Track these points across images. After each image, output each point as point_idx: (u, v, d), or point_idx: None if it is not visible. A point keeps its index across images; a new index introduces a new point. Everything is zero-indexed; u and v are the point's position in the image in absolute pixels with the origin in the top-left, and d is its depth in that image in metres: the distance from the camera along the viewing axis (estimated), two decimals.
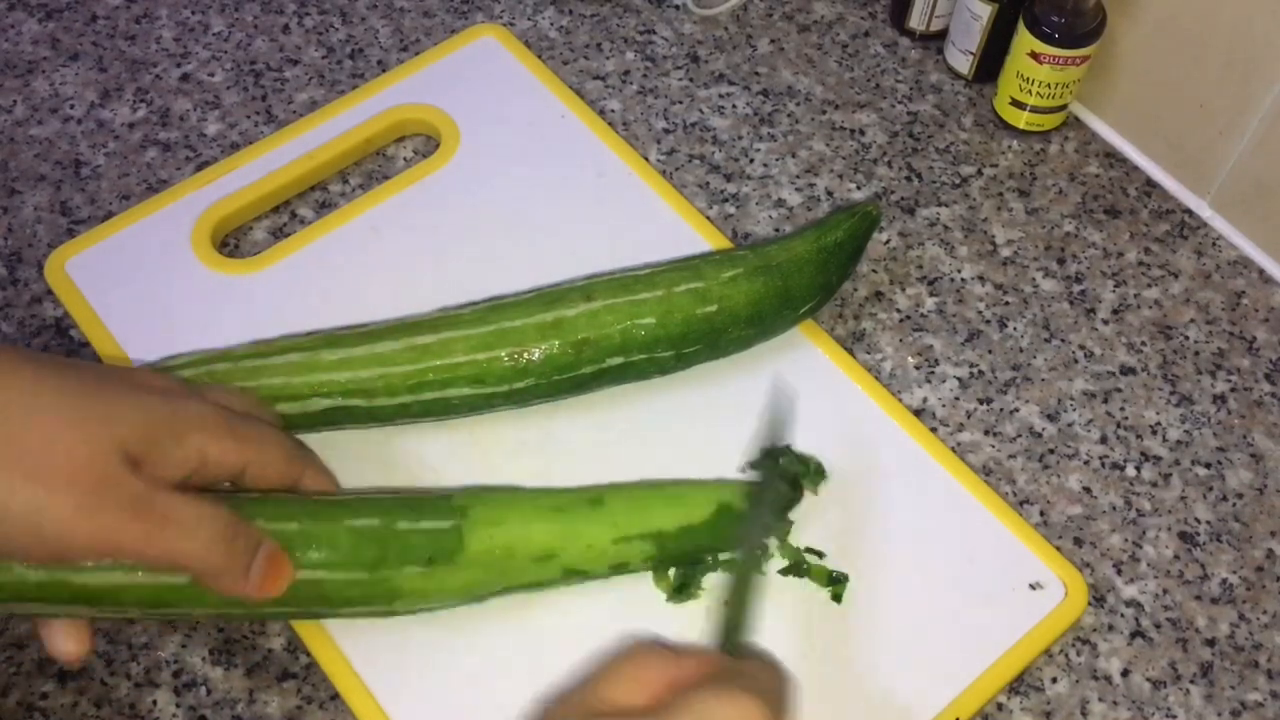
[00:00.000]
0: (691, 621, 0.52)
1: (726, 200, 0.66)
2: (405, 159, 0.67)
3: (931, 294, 0.63)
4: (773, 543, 0.54)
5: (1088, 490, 0.58)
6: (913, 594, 0.53)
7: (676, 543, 0.51)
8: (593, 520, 0.50)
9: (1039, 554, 0.54)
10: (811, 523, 0.54)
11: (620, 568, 0.51)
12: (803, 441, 0.56)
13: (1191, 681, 0.53)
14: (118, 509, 0.41)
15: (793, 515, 0.54)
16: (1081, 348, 0.62)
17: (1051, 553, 0.54)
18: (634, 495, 0.52)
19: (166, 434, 0.43)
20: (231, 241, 0.64)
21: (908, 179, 0.68)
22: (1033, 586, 0.53)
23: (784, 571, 0.53)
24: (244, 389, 0.52)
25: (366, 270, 0.61)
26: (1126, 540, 0.56)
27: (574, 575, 0.51)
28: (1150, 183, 0.68)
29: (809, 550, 0.53)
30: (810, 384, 0.58)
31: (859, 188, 0.67)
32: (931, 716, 0.50)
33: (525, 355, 0.53)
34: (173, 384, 0.46)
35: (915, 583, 0.53)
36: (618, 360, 0.55)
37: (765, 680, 0.40)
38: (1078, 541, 0.56)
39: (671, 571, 0.52)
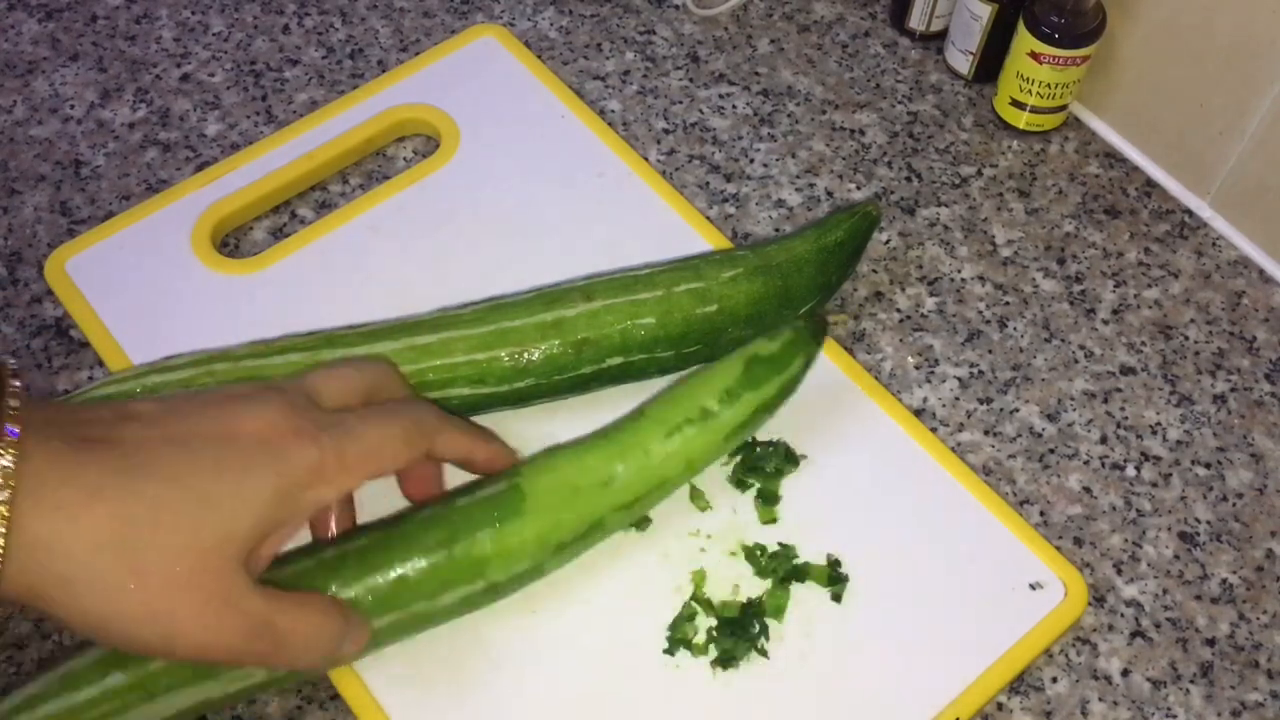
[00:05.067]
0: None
1: (726, 200, 0.66)
2: (405, 159, 0.67)
3: (931, 294, 0.63)
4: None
5: (1088, 490, 0.58)
6: (913, 594, 0.53)
7: (723, 407, 0.52)
8: (640, 429, 0.51)
9: (1039, 554, 0.54)
10: (810, 523, 0.55)
11: (680, 471, 0.52)
12: (803, 442, 0.56)
13: (1191, 681, 0.53)
14: (236, 633, 0.41)
15: (789, 516, 0.54)
16: (1081, 348, 0.62)
17: (1051, 553, 0.54)
18: (671, 394, 0.52)
19: (285, 516, 0.43)
20: (231, 241, 0.64)
21: (908, 179, 0.68)
22: (1033, 586, 0.53)
23: (784, 573, 0.53)
24: (363, 357, 0.53)
25: (366, 270, 0.61)
26: (1126, 540, 0.56)
27: (638, 502, 0.51)
28: (1150, 183, 0.68)
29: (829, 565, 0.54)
30: (810, 384, 0.58)
31: (859, 188, 0.67)
32: (931, 716, 0.50)
33: (525, 355, 0.53)
34: (278, 427, 0.43)
35: (915, 583, 0.53)
36: (618, 360, 0.55)
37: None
38: (1078, 541, 0.56)
39: (712, 632, 0.52)
